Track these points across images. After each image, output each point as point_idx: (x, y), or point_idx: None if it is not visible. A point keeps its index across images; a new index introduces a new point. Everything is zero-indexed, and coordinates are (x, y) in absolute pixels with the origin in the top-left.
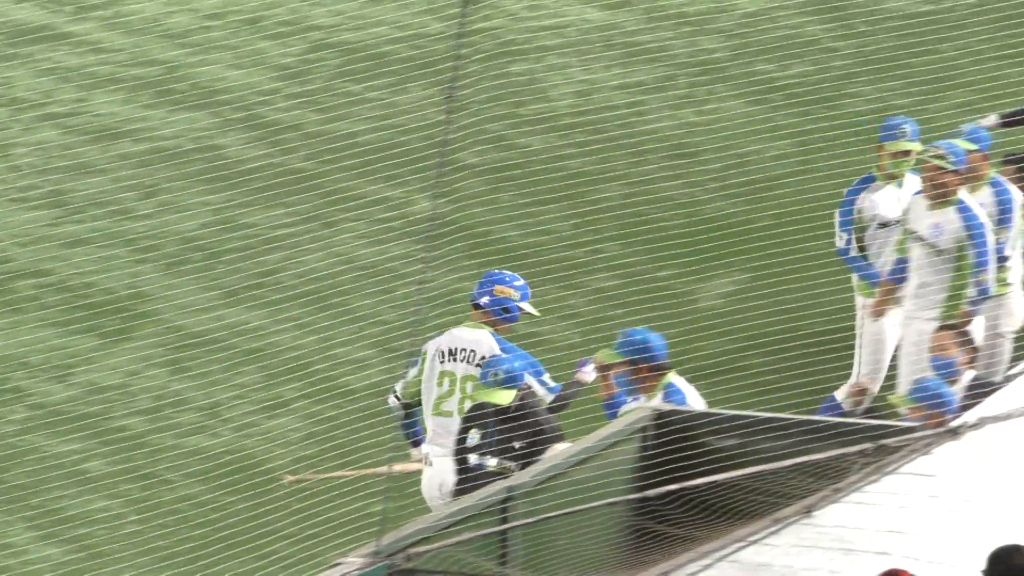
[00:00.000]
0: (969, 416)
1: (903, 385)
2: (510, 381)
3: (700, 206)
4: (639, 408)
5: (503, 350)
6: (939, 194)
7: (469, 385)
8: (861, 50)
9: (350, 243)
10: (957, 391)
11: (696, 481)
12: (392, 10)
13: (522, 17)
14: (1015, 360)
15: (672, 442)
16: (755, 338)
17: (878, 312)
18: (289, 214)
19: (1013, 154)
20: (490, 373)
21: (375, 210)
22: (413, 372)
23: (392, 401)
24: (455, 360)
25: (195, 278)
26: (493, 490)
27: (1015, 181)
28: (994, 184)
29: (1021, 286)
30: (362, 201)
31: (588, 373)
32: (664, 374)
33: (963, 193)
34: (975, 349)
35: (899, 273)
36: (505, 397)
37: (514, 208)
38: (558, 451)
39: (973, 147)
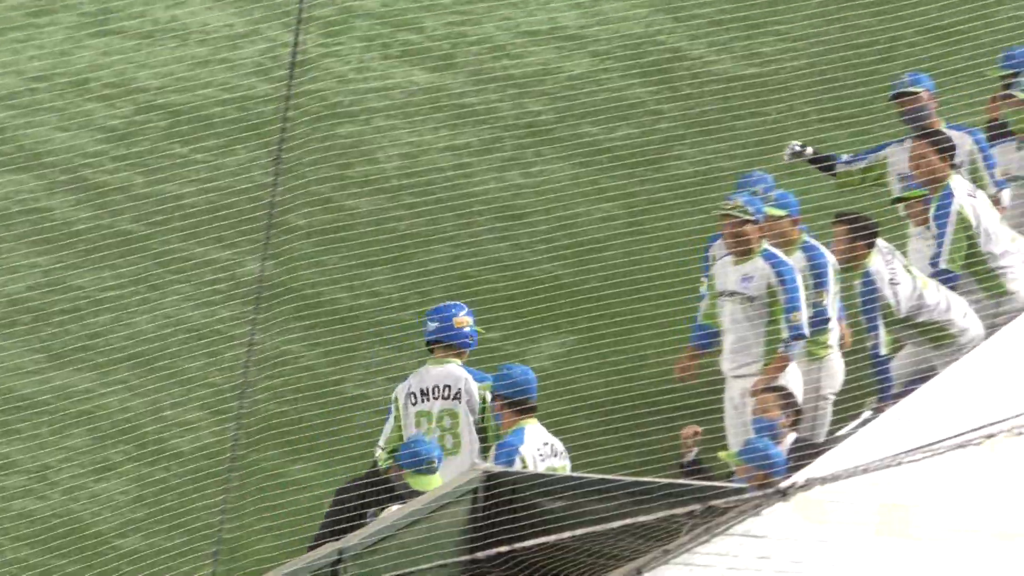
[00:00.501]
0: (798, 477)
1: (732, 444)
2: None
3: (528, 268)
4: (469, 470)
5: (473, 377)
6: (743, 246)
7: (447, 420)
8: (686, 113)
9: (178, 305)
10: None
11: (526, 543)
12: (219, 72)
13: (349, 79)
14: (837, 422)
15: (503, 504)
16: (584, 399)
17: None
18: (116, 276)
19: (844, 214)
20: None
21: (203, 272)
22: (390, 422)
23: (380, 455)
24: (428, 399)
25: (22, 340)
26: (323, 552)
27: (846, 241)
28: (806, 248)
29: (839, 348)
30: (190, 263)
31: None
32: (521, 419)
33: (766, 243)
34: (798, 411)
35: (706, 339)
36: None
37: (342, 270)
38: (390, 512)
39: (782, 212)
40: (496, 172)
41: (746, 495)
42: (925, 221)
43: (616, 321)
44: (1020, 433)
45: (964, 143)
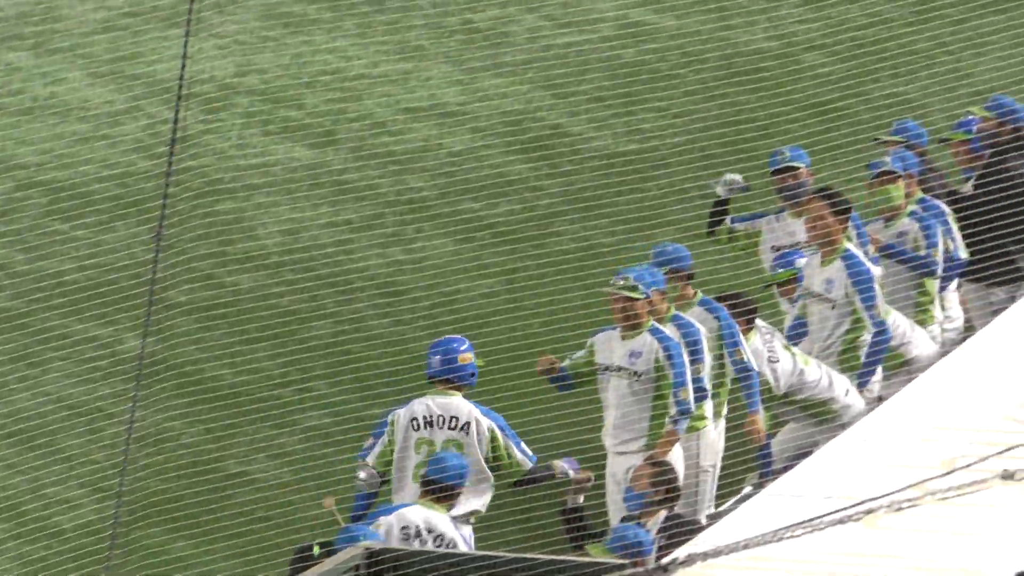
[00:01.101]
0: (680, 553)
1: (613, 519)
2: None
3: (410, 344)
4: (352, 547)
5: (483, 413)
6: (631, 324)
7: (453, 448)
8: (567, 189)
9: (58, 382)
10: (652, 529)
11: None
12: (100, 149)
13: (230, 156)
14: (720, 496)
15: None
16: None
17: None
18: None
19: (726, 295)
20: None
21: (83, 349)
22: (383, 441)
23: (364, 474)
24: (432, 427)
25: None
26: None
27: (738, 315)
28: (676, 320)
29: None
30: (70, 340)
31: (568, 468)
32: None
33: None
34: (673, 487)
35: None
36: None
37: (224, 346)
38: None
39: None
40: (377, 248)
41: (627, 571)
42: (791, 292)
43: (498, 398)
44: (899, 509)
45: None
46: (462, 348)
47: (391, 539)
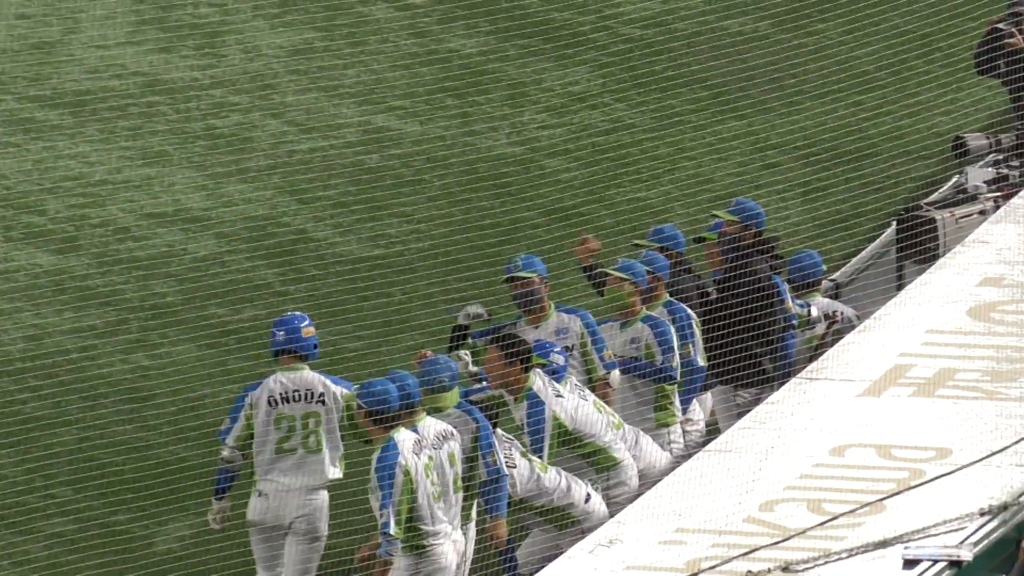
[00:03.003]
0: None
1: None
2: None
3: (154, 450)
4: None
5: (333, 382)
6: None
7: (312, 421)
8: (312, 294)
9: None
10: None
11: None
12: None
13: None
14: None
15: None
16: None
17: None
18: None
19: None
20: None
21: None
22: (241, 423)
23: (228, 453)
24: (289, 402)
25: None
26: None
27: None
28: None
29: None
30: None
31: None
32: (389, 431)
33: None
34: None
35: None
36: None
37: None
38: None
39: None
40: (122, 354)
41: None
42: None
43: (244, 504)
44: None
45: (574, 325)
46: (303, 324)
47: (414, 468)
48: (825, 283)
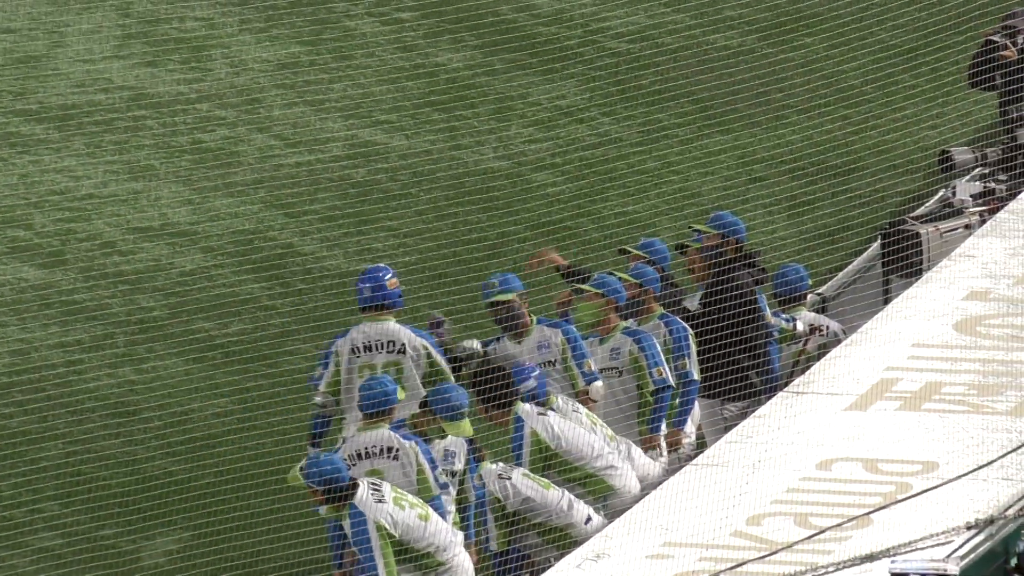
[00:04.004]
0: None
1: None
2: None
3: (141, 464)
4: None
5: (415, 334)
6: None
7: (392, 370)
8: (299, 308)
9: None
10: None
11: None
12: None
13: None
14: None
15: None
16: None
17: None
18: None
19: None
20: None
21: None
22: (330, 370)
23: (320, 399)
24: (371, 352)
25: None
26: None
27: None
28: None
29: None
30: None
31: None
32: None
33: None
34: None
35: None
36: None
37: None
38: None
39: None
40: (108, 368)
41: None
42: None
43: (231, 517)
44: None
45: (555, 338)
46: (387, 276)
47: (353, 469)
48: (812, 297)
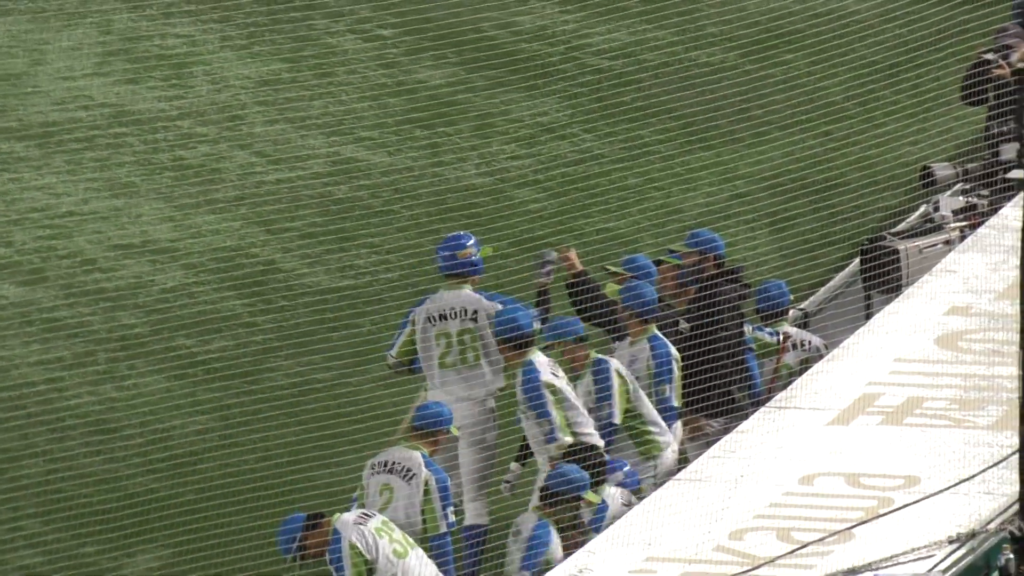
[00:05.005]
0: None
1: None
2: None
3: (122, 482)
4: None
5: (488, 298)
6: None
7: (467, 337)
8: (281, 325)
9: None
10: None
11: None
12: None
13: None
14: None
15: None
16: None
17: None
18: None
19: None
20: None
21: None
22: (404, 336)
23: (392, 362)
24: (447, 320)
25: None
26: None
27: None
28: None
29: None
30: None
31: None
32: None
33: None
34: None
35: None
36: None
37: None
38: None
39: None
40: (89, 386)
41: None
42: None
43: (213, 534)
44: None
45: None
46: (468, 243)
47: (368, 476)
48: (794, 312)
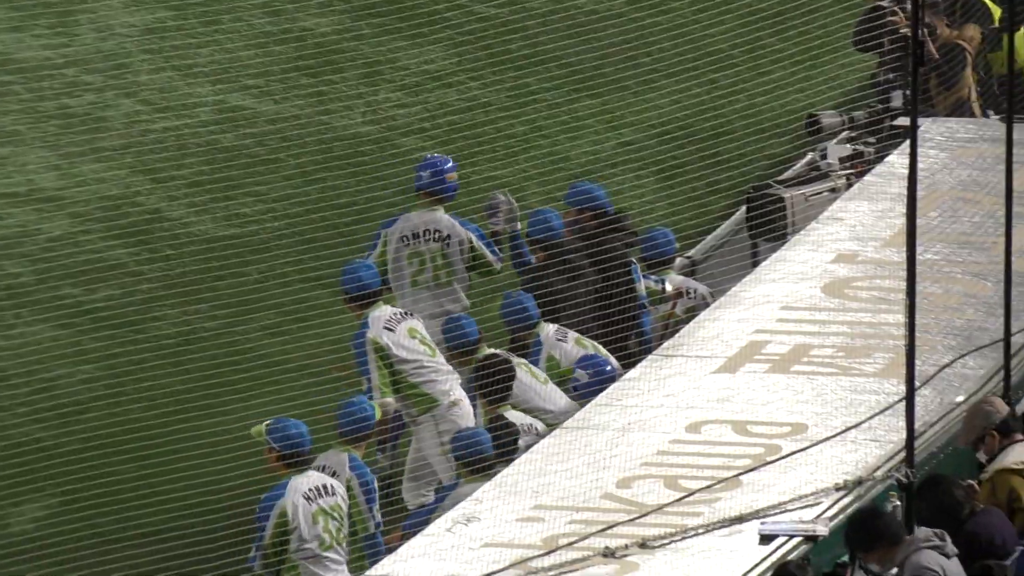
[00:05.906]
0: None
1: None
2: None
3: (8, 431)
4: None
5: (462, 224)
6: None
7: (439, 259)
8: (167, 273)
9: None
10: None
11: None
12: None
13: None
14: None
15: None
16: (68, 562)
17: None
18: None
19: None
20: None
21: None
22: (377, 251)
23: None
24: (419, 239)
25: None
26: None
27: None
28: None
29: None
30: None
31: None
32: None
33: None
34: None
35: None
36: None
37: None
38: None
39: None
40: None
41: None
42: None
43: (99, 483)
44: None
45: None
46: (446, 166)
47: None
48: (680, 260)
